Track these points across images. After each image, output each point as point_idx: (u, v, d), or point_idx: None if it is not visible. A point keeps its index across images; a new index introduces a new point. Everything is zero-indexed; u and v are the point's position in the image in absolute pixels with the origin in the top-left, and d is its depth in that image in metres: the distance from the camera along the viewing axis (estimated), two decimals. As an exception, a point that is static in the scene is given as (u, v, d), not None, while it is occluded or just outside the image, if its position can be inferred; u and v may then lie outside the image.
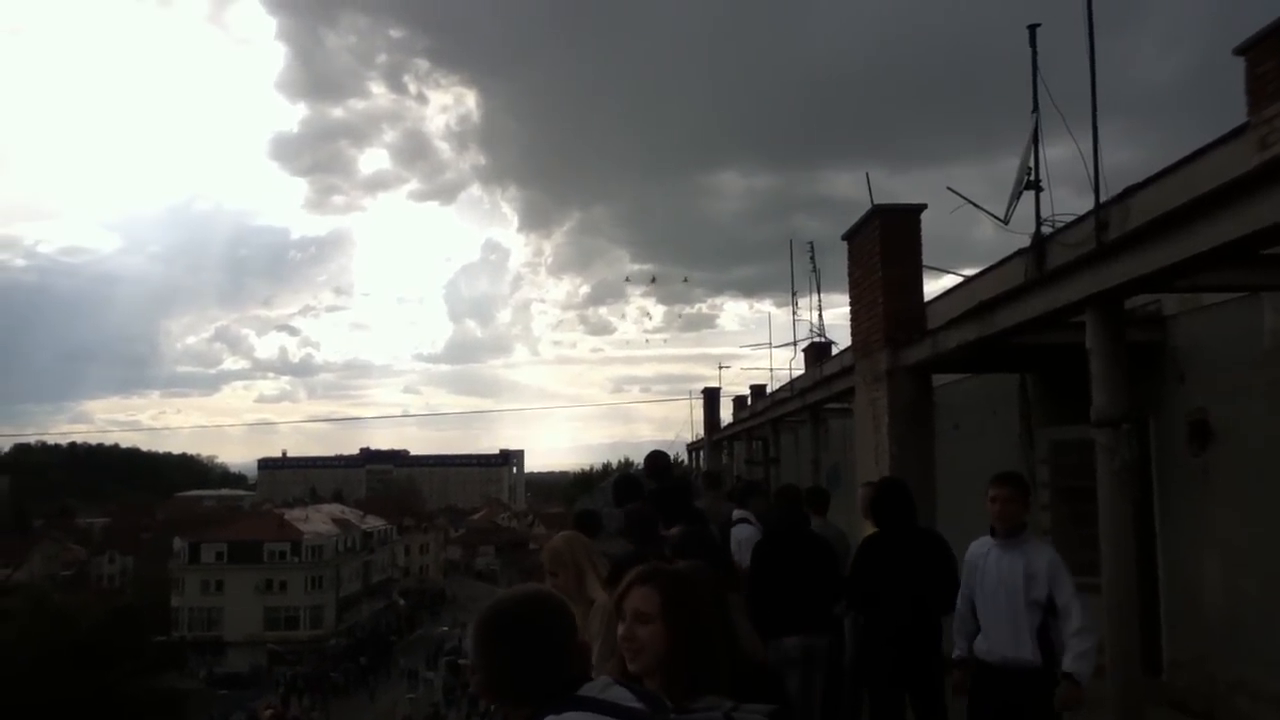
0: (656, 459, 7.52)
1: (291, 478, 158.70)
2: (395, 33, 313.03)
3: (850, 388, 10.15)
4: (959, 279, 10.86)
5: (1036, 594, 4.49)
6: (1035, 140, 8.44)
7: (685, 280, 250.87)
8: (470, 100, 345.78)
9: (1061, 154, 8.23)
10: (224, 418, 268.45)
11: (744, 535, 6.75)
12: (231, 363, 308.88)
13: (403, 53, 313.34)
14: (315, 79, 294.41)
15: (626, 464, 69.35)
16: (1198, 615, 7.23)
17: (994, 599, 4.65)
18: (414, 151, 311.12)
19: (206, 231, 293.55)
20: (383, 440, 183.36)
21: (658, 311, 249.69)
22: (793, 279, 22.18)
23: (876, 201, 8.89)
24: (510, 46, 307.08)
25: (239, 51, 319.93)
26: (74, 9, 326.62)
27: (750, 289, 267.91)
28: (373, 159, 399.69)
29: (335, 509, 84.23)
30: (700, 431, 32.10)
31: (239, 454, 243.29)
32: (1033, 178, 8.52)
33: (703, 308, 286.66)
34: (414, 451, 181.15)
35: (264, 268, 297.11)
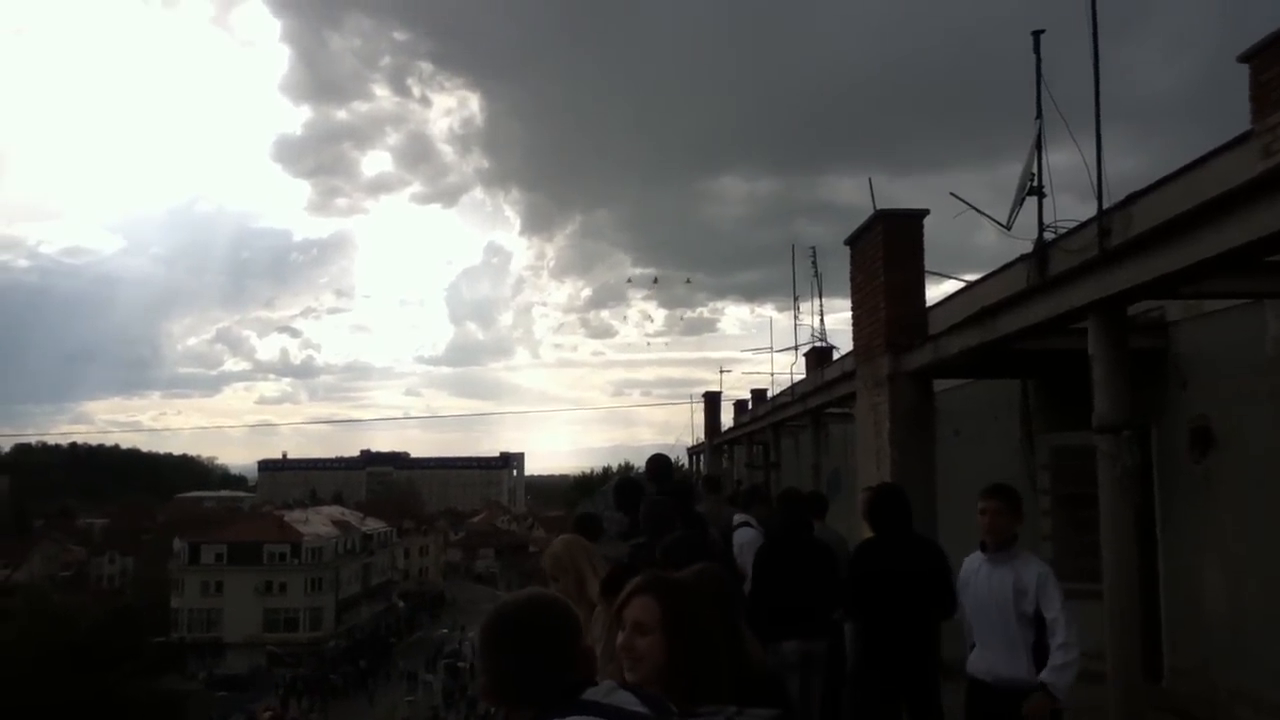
0: (657, 462, 7.49)
1: (292, 479, 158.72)
2: (399, 36, 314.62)
3: (851, 392, 10.14)
4: (961, 284, 10.87)
5: (1026, 608, 4.43)
6: (1038, 146, 8.46)
7: (688, 282, 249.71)
8: (474, 103, 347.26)
9: (1064, 160, 8.25)
10: (225, 419, 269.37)
11: (746, 539, 6.76)
12: (232, 364, 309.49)
13: (407, 56, 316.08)
14: (319, 81, 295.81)
15: (627, 467, 69.33)
16: (1199, 622, 7.21)
17: (986, 615, 4.61)
18: (417, 154, 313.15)
19: (209, 233, 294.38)
20: (383, 442, 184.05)
21: (659, 315, 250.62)
22: (794, 283, 22.33)
23: (879, 206, 8.90)
24: (514, 50, 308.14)
25: (243, 53, 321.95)
26: (78, 10, 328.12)
27: (752, 293, 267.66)
28: (375, 161, 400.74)
29: (335, 511, 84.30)
30: (701, 435, 32.16)
31: (239, 455, 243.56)
32: (1036, 183, 8.53)
33: (704, 312, 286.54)
34: (414, 454, 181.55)
35: (266, 269, 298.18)
